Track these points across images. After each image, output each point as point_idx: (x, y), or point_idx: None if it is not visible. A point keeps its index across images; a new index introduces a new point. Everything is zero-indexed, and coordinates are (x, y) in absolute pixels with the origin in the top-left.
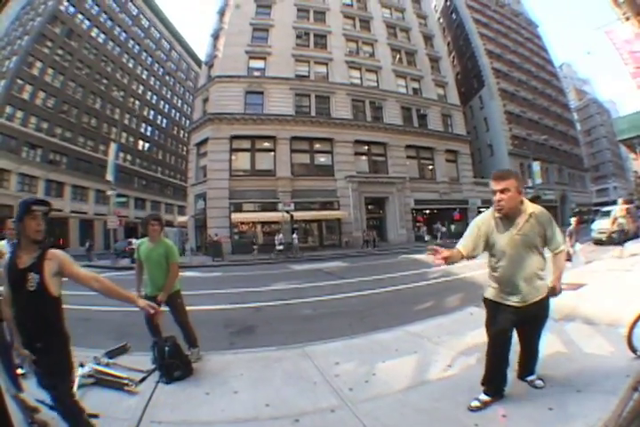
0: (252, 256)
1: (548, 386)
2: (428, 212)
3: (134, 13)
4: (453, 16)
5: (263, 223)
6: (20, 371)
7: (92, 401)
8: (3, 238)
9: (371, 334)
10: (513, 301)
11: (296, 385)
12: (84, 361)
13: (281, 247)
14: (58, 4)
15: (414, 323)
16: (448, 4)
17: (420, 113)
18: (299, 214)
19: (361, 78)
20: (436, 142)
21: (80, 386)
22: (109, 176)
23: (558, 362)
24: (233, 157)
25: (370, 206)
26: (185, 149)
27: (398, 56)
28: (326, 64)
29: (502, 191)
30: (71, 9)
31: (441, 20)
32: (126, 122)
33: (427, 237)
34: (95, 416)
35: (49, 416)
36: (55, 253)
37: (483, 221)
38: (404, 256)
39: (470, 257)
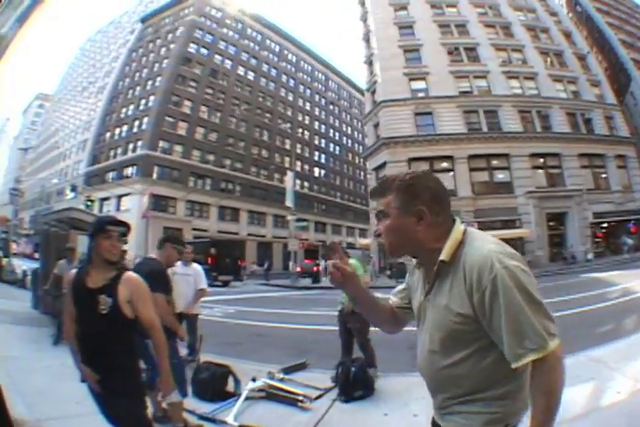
0: None
1: None
2: (605, 225)
3: (277, 50)
4: (578, 8)
5: None
6: None
7: (258, 414)
8: (61, 258)
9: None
10: None
11: None
12: (258, 376)
13: None
14: (183, 47)
15: (594, 348)
16: None
17: (585, 117)
18: None
19: (521, 87)
20: (605, 148)
21: (247, 398)
22: (288, 202)
23: None
24: None
25: (550, 223)
26: (362, 173)
27: (549, 59)
28: (485, 77)
29: (378, 216)
30: (203, 51)
31: (570, 15)
32: (299, 151)
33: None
34: None
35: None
36: (132, 279)
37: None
38: (584, 276)
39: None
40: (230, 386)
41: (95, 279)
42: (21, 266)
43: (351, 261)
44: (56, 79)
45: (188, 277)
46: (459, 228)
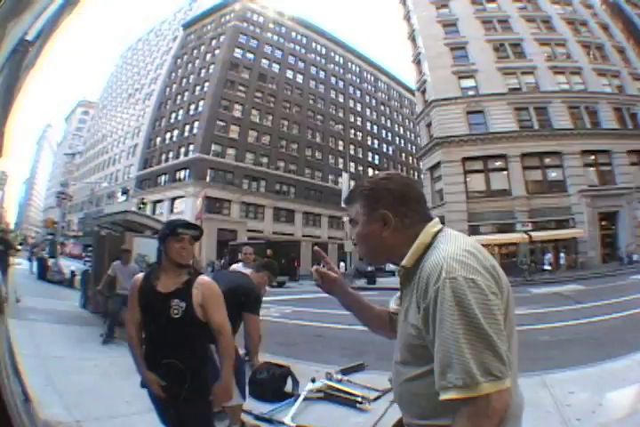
0: None
1: None
2: None
3: (323, 52)
4: (610, 0)
5: (500, 245)
6: None
7: (316, 415)
8: (115, 260)
9: (603, 363)
10: None
11: (530, 413)
12: (316, 377)
13: (549, 268)
14: (229, 52)
15: None
16: None
17: (630, 112)
18: (536, 235)
19: (568, 82)
20: None
21: (305, 399)
22: (344, 203)
23: None
24: (467, 179)
25: (602, 222)
26: (416, 173)
27: (591, 53)
28: (532, 73)
29: (351, 224)
30: (249, 55)
31: (603, 7)
32: (352, 152)
33: None
34: None
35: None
36: (206, 283)
37: None
38: (635, 277)
39: None
40: (289, 387)
41: (166, 283)
42: (69, 266)
43: None
44: (98, 86)
45: None
46: (429, 230)
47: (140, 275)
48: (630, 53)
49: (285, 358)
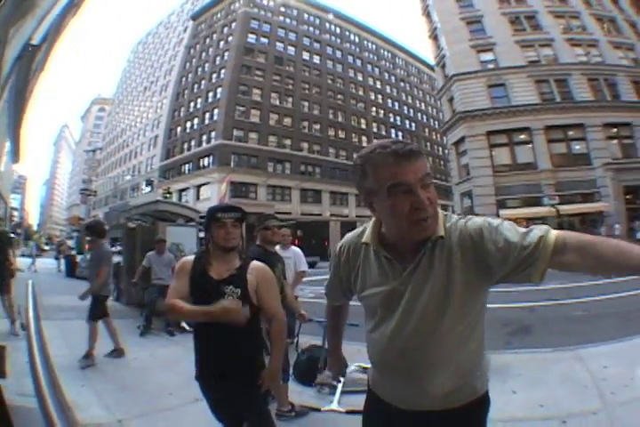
0: None
1: None
2: None
3: (337, 32)
4: None
5: (528, 219)
6: None
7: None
8: (149, 250)
9: (634, 338)
10: None
11: (568, 387)
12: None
13: None
14: (242, 38)
15: None
16: None
17: None
18: (564, 208)
19: (586, 55)
20: None
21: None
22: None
23: None
24: (493, 153)
25: (628, 196)
26: (439, 149)
27: (605, 25)
28: (550, 45)
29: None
30: (263, 39)
31: None
32: (375, 130)
33: None
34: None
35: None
36: (259, 267)
37: None
38: None
39: None
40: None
41: (219, 270)
42: None
43: None
44: (111, 83)
45: (287, 259)
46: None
47: (189, 258)
48: None
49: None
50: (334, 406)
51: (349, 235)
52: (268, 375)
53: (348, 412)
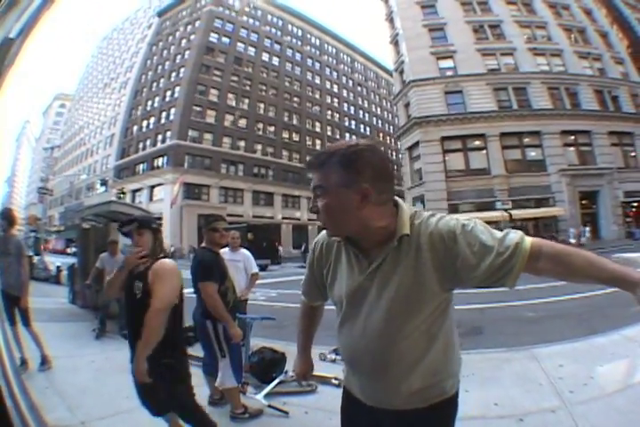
0: None
1: None
2: (636, 205)
3: (299, 34)
4: None
5: None
6: None
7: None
8: (102, 252)
9: (590, 338)
10: None
11: (523, 386)
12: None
13: None
14: (204, 37)
15: (629, 326)
16: None
17: (612, 95)
18: (516, 213)
19: (548, 64)
20: (633, 126)
21: (281, 382)
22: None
23: None
24: (446, 158)
25: (583, 202)
26: (393, 153)
27: (572, 36)
28: (511, 54)
29: (315, 191)
30: (225, 39)
31: None
32: (329, 133)
33: (638, 234)
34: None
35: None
36: (157, 263)
37: None
38: (617, 255)
39: None
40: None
41: (138, 268)
42: (54, 263)
43: None
44: (75, 79)
45: (237, 262)
46: (405, 206)
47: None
48: (613, 38)
49: (276, 341)
50: (259, 397)
51: (325, 231)
52: (134, 365)
53: (270, 406)
